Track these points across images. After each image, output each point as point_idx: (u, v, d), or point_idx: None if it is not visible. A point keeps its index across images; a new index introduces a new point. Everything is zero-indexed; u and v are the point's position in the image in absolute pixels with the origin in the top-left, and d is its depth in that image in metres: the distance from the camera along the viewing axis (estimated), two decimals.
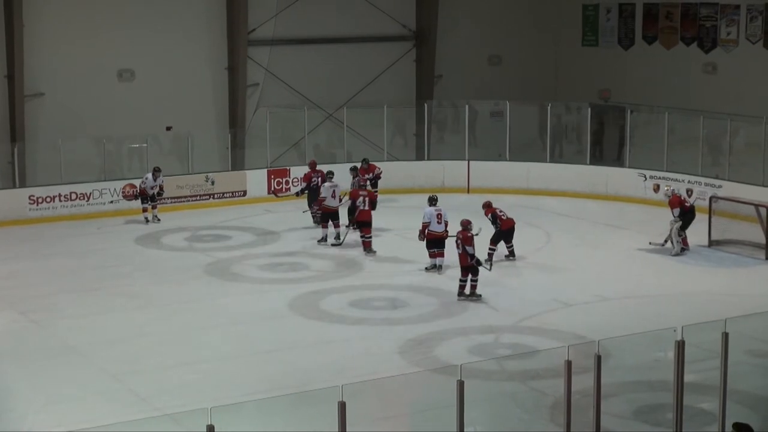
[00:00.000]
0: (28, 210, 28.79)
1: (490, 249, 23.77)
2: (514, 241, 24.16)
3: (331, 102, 35.20)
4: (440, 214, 23.12)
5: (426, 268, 23.22)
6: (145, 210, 28.52)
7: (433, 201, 23.62)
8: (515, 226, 24.09)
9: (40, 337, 19.43)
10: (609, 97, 36.08)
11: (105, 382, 16.84)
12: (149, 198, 28.47)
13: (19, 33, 30.80)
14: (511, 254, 24.15)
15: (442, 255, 23.18)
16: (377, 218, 25.98)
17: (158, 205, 28.74)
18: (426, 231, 23.08)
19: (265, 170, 31.72)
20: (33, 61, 31.32)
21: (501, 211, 24.04)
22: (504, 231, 23.90)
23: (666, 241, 24.82)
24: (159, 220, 28.46)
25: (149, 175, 28.45)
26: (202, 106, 34.24)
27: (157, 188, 28.51)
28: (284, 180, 31.38)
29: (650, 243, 25.19)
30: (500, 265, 23.78)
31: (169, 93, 33.35)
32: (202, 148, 33.41)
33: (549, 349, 17.60)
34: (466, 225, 21.21)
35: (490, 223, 23.93)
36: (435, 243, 23.07)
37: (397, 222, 27.46)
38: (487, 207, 24.18)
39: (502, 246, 24.01)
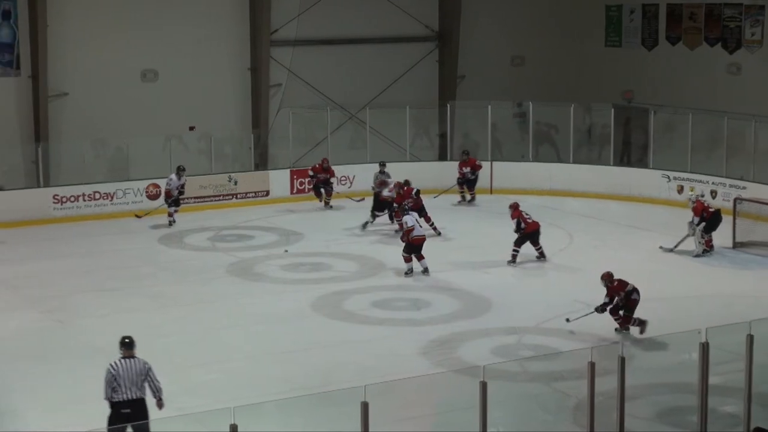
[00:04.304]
0: (52, 209, 28.91)
1: (513, 251, 23.79)
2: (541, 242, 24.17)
3: (353, 102, 35.21)
4: (417, 221, 23.70)
5: (405, 273, 23.15)
6: (170, 215, 28.30)
7: (406, 212, 24.39)
8: (540, 229, 24.09)
9: (62, 336, 19.49)
10: (632, 98, 35.95)
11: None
12: (174, 201, 28.30)
13: (42, 33, 30.90)
14: (541, 255, 24.13)
15: (422, 257, 23.27)
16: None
17: (178, 208, 28.51)
18: (410, 236, 23.14)
19: (288, 170, 31.80)
20: (57, 62, 31.41)
21: (527, 214, 24.01)
22: (528, 234, 23.87)
23: (676, 246, 24.72)
24: (174, 221, 28.28)
25: (173, 176, 28.35)
26: (225, 107, 34.30)
27: (181, 187, 28.41)
28: (306, 180, 31.36)
29: (660, 247, 25.08)
30: (524, 266, 23.79)
31: (192, 93, 33.40)
32: (225, 149, 33.53)
33: (572, 350, 17.57)
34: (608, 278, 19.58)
35: (514, 225, 23.97)
36: (415, 248, 23.12)
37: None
38: (514, 209, 24.15)
39: (528, 247, 23.98)
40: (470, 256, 24.59)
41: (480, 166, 30.68)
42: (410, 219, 23.40)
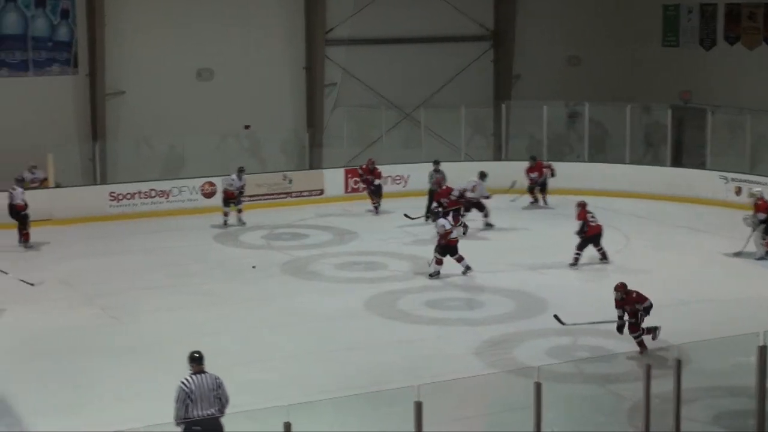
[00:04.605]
0: (108, 207, 29.13)
1: (576, 254, 23.56)
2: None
3: (408, 102, 35.21)
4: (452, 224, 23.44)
5: (431, 275, 22.78)
6: (225, 214, 28.12)
7: (438, 215, 23.97)
8: (602, 231, 23.82)
9: (117, 332, 19.59)
10: (690, 99, 35.62)
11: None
12: (234, 201, 28.18)
13: (100, 31, 31.18)
14: (604, 257, 23.81)
15: (461, 258, 22.97)
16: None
17: (241, 207, 28.37)
18: (447, 238, 22.87)
19: (342, 169, 31.81)
20: (114, 60, 31.67)
21: (592, 217, 23.70)
22: (590, 237, 23.63)
23: (745, 247, 24.36)
24: (244, 223, 28.11)
25: (234, 176, 28.20)
26: (280, 105, 34.40)
27: (242, 188, 28.26)
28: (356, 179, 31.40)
29: (731, 254, 24.66)
30: (581, 267, 23.60)
31: (247, 92, 33.54)
32: (280, 147, 33.62)
33: (628, 352, 17.44)
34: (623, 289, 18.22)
35: (578, 226, 23.71)
36: (451, 249, 22.86)
37: (475, 223, 27.31)
38: (581, 208, 23.84)
39: (590, 248, 23.77)
40: (526, 257, 24.44)
41: (546, 171, 30.18)
42: (446, 222, 23.17)
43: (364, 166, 30.11)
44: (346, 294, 21.86)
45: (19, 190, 26.26)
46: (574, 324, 18.39)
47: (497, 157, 34.53)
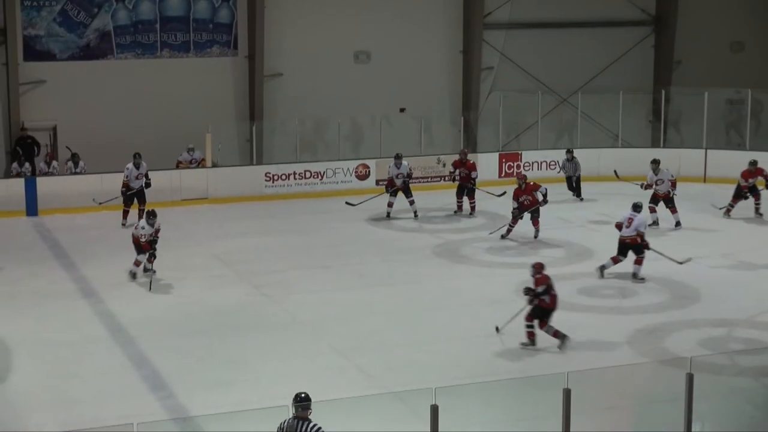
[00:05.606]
0: (263, 187, 29.55)
1: None
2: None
3: (565, 87, 34.88)
4: (631, 219, 21.55)
5: (602, 270, 21.67)
6: (389, 204, 27.24)
7: (638, 208, 21.85)
8: None
9: (272, 311, 19.89)
10: None
11: (333, 358, 17.09)
12: (402, 189, 27.18)
13: (260, 14, 31.67)
14: None
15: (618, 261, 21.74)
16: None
17: (412, 198, 27.31)
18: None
19: (497, 154, 31.71)
20: (273, 42, 32.13)
21: None
22: None
23: None
24: (416, 216, 27.33)
25: (391, 164, 27.40)
26: (436, 89, 34.46)
27: (405, 176, 27.23)
28: (515, 164, 31.29)
29: None
30: (736, 257, 23.09)
31: (403, 75, 33.68)
32: (435, 131, 33.65)
33: None
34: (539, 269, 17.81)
35: None
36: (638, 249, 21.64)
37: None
38: None
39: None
40: (677, 248, 24.08)
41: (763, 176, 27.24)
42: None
43: (456, 159, 28.22)
44: (497, 278, 21.80)
45: (127, 165, 26.26)
46: (506, 324, 17.81)
47: (655, 143, 33.96)
